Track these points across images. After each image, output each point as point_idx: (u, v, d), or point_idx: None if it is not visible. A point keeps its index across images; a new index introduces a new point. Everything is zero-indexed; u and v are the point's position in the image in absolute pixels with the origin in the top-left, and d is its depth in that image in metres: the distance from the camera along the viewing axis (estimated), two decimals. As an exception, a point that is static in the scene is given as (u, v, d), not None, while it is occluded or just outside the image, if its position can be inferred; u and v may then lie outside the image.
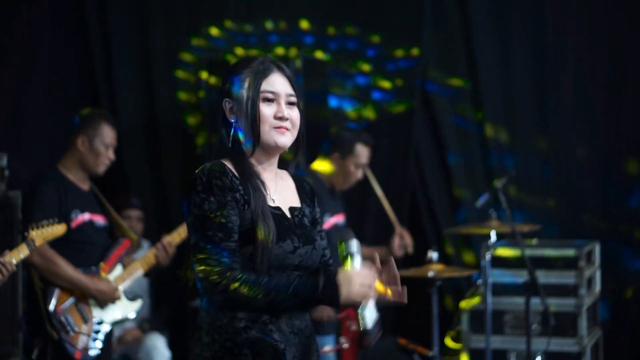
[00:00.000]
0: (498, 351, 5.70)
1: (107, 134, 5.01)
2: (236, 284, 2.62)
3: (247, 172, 2.76)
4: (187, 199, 2.72)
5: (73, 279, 4.77)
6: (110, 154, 5.04)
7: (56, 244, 4.73)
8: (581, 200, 6.42)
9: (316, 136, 6.16)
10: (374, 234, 6.51)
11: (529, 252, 5.48)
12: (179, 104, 6.68)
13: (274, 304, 2.65)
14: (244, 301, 2.64)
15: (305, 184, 2.97)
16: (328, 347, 5.22)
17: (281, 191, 2.86)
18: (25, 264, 4.71)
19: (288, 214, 2.83)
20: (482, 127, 6.52)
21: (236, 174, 2.75)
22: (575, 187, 6.43)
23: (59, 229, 4.48)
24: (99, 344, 4.84)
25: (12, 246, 4.34)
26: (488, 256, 5.40)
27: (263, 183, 2.79)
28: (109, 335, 4.97)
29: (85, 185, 5.02)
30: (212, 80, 6.25)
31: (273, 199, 2.81)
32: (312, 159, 5.62)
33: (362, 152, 5.34)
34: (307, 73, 6.21)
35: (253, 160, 2.81)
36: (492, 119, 6.51)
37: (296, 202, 2.89)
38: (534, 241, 6.05)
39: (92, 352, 4.81)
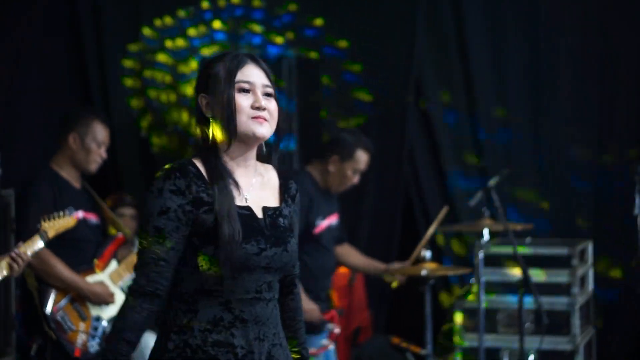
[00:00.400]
0: (491, 349, 5.72)
1: (99, 132, 5.00)
2: (122, 316, 2.65)
3: (217, 171, 2.69)
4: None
5: (67, 280, 4.77)
6: (102, 152, 5.03)
7: (50, 241, 4.74)
8: (574, 198, 6.42)
9: (310, 136, 6.17)
10: (367, 236, 6.51)
11: (521, 250, 5.49)
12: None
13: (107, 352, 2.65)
14: (115, 325, 2.66)
15: (292, 184, 2.88)
16: (313, 348, 5.22)
17: (258, 189, 2.77)
18: None
19: (259, 214, 2.73)
20: (476, 125, 6.53)
21: (204, 173, 2.68)
22: (569, 185, 6.44)
23: (69, 221, 4.49)
24: (98, 341, 4.84)
25: (5, 244, 4.35)
26: (481, 255, 5.41)
27: (235, 182, 2.72)
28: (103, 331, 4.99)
29: (77, 184, 5.03)
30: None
31: (246, 198, 2.72)
32: (308, 159, 5.62)
33: (362, 158, 5.32)
34: (300, 72, 6.21)
35: (227, 157, 2.72)
36: (486, 118, 6.52)
37: (274, 201, 2.80)
38: (527, 240, 6.06)
39: (92, 349, 4.82)
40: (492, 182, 5.51)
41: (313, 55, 6.59)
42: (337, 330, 5.28)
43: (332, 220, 5.37)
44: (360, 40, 6.64)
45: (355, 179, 5.34)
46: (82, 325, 4.80)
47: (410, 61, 6.52)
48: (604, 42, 6.41)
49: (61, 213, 4.48)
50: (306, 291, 5.18)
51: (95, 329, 4.85)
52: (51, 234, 4.37)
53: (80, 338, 4.77)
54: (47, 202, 4.80)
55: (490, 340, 5.70)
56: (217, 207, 2.64)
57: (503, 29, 6.53)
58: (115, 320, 2.68)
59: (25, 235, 4.73)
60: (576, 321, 5.69)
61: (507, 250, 5.67)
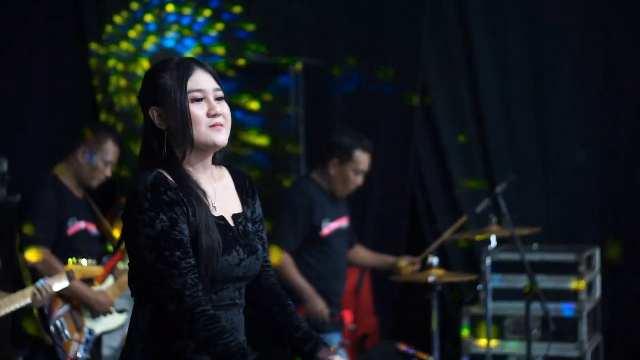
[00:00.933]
0: (498, 356, 5.70)
1: (110, 151, 4.98)
2: (198, 324, 2.53)
3: (186, 182, 2.63)
4: (129, 217, 2.58)
5: (74, 287, 4.75)
6: (108, 171, 5.00)
7: (54, 250, 4.74)
8: (581, 204, 6.41)
9: (317, 142, 6.16)
10: (373, 240, 6.49)
11: (529, 256, 5.48)
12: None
13: (216, 355, 2.55)
14: (200, 341, 2.54)
15: (245, 179, 2.82)
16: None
17: (221, 196, 2.73)
18: (18, 269, 4.70)
19: (232, 223, 2.70)
20: (482, 131, 6.52)
21: (176, 184, 2.62)
22: (575, 190, 6.43)
23: (96, 270, 4.54)
24: (87, 354, 4.83)
25: (11, 250, 4.37)
26: (488, 261, 5.40)
27: (204, 192, 2.66)
28: (97, 344, 4.97)
29: (79, 193, 5.01)
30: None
31: (215, 207, 2.69)
32: (315, 165, 5.64)
33: (361, 158, 5.31)
34: (307, 78, 6.21)
35: (188, 166, 2.67)
36: (491, 124, 6.51)
37: (237, 207, 2.76)
38: (534, 246, 6.05)
39: None
40: (499, 188, 5.50)
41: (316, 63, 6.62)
42: (352, 327, 5.32)
43: (341, 222, 5.38)
44: (365, 44, 6.64)
45: (359, 180, 5.33)
46: (76, 335, 4.78)
47: (416, 65, 6.51)
48: (605, 43, 6.40)
49: (92, 261, 4.51)
50: (318, 294, 5.22)
51: (87, 341, 4.83)
52: (77, 276, 4.43)
53: (73, 348, 4.76)
54: (52, 211, 4.81)
55: (497, 346, 5.69)
56: (197, 218, 2.60)
57: (506, 32, 6.53)
58: (195, 327, 2.52)
59: (30, 241, 4.73)
60: (583, 328, 5.67)
61: (514, 256, 5.66)
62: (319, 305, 5.16)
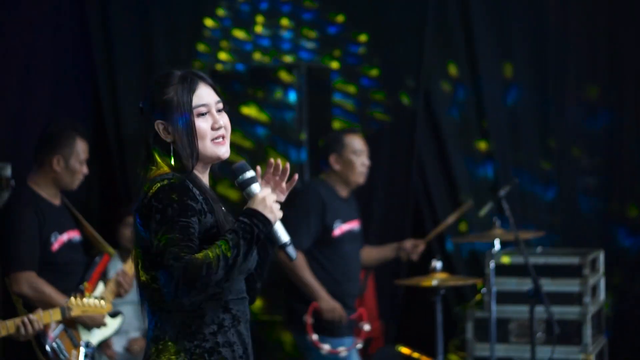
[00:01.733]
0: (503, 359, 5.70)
1: (82, 150, 4.79)
2: (206, 252, 2.64)
3: (199, 184, 2.79)
4: (145, 211, 2.70)
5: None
6: (85, 169, 4.82)
7: (39, 269, 4.61)
8: (585, 207, 6.40)
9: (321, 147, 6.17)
10: (376, 239, 6.49)
11: (533, 260, 5.47)
12: None
13: (235, 260, 2.66)
14: (216, 261, 2.62)
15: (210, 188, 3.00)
16: (342, 347, 5.27)
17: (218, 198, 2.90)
18: (8, 292, 4.62)
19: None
20: (486, 135, 6.52)
21: (192, 185, 2.77)
22: (578, 193, 6.42)
23: (102, 307, 4.48)
24: None
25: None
26: (492, 264, 5.40)
27: (214, 193, 2.84)
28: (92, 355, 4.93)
29: (57, 201, 4.82)
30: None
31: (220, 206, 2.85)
32: (319, 169, 5.67)
33: (354, 140, 5.43)
34: (309, 83, 6.21)
35: (196, 172, 2.83)
36: (494, 127, 6.51)
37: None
38: (538, 249, 6.05)
39: None
40: (503, 191, 5.50)
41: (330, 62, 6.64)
42: (367, 327, 5.35)
43: (353, 225, 5.45)
44: (369, 47, 6.65)
45: (365, 161, 5.46)
46: (74, 353, 4.65)
47: (419, 70, 6.51)
48: (609, 44, 6.39)
49: (97, 297, 4.47)
50: (331, 296, 5.26)
51: (85, 355, 4.74)
52: (75, 312, 4.36)
53: None
54: (33, 231, 4.62)
55: (501, 350, 5.68)
56: (214, 218, 2.75)
57: (509, 33, 6.52)
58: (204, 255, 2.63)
59: (9, 262, 4.62)
60: (588, 331, 5.67)
61: (518, 260, 5.65)
62: (332, 303, 5.20)
